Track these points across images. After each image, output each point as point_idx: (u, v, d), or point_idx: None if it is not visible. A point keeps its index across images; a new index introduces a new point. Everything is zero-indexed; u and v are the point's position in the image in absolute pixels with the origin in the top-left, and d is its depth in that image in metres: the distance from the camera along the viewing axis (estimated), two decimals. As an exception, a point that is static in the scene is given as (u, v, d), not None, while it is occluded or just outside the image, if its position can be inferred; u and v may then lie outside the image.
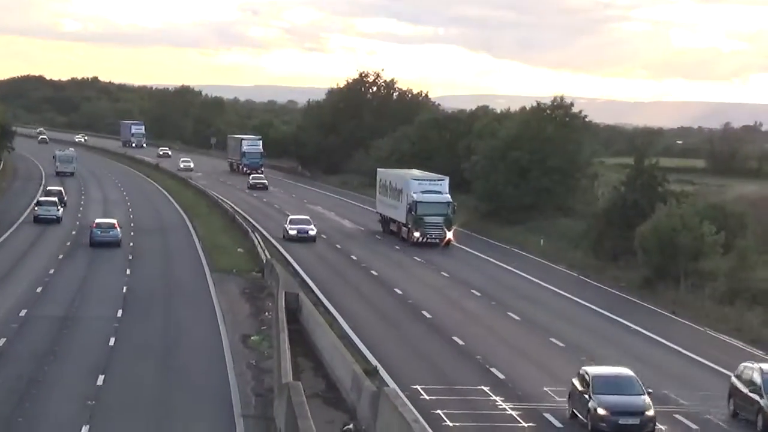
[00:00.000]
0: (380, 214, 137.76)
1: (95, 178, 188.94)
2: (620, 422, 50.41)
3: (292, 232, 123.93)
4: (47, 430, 48.68)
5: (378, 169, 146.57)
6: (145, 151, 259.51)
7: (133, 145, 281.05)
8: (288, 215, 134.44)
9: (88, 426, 48.46)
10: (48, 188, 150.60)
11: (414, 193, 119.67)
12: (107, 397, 54.22)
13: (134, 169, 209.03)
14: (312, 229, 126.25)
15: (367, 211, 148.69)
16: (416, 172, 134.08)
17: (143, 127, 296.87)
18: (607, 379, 53.14)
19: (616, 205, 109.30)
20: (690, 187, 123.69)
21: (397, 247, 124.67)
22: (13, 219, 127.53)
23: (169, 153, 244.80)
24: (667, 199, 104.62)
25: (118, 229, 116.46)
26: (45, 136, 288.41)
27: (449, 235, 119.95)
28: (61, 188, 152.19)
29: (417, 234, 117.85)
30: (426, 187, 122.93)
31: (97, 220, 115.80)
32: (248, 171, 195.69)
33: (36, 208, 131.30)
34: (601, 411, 50.61)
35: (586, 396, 51.71)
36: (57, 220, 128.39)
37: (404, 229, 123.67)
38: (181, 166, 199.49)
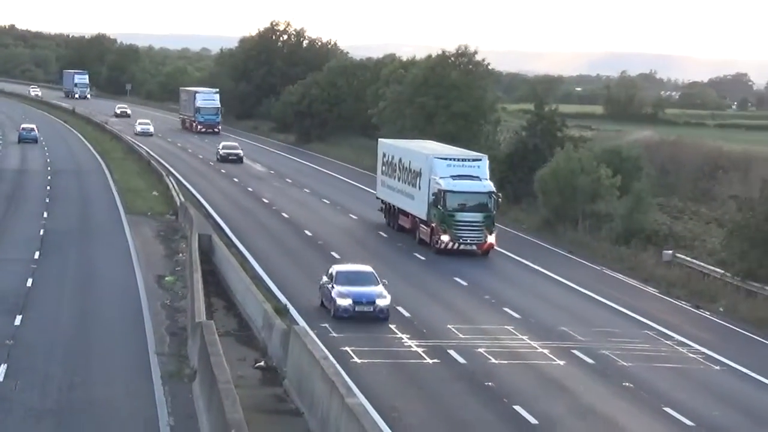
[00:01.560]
0: (383, 201, 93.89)
1: (13, 123, 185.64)
2: (356, 309, 58.89)
3: (224, 153, 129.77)
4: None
5: (380, 139, 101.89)
6: (91, 103, 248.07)
7: (77, 96, 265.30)
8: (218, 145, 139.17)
9: (5, 365, 48.36)
10: None
11: (441, 178, 77.23)
12: (24, 336, 54.12)
13: (52, 115, 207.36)
14: (240, 152, 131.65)
15: (274, 154, 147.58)
16: (439, 147, 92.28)
17: (87, 77, 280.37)
18: (348, 273, 61.70)
19: (518, 149, 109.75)
20: (588, 132, 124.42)
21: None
22: None
23: (128, 112, 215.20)
24: (565, 143, 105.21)
25: (37, 132, 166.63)
26: None
27: (491, 239, 78.01)
28: None
29: (445, 238, 75.90)
30: (458, 169, 79.03)
31: (23, 125, 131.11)
32: (203, 129, 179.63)
33: None
34: (340, 300, 59.16)
35: (329, 287, 60.14)
36: None
37: (422, 227, 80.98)
38: (138, 129, 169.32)
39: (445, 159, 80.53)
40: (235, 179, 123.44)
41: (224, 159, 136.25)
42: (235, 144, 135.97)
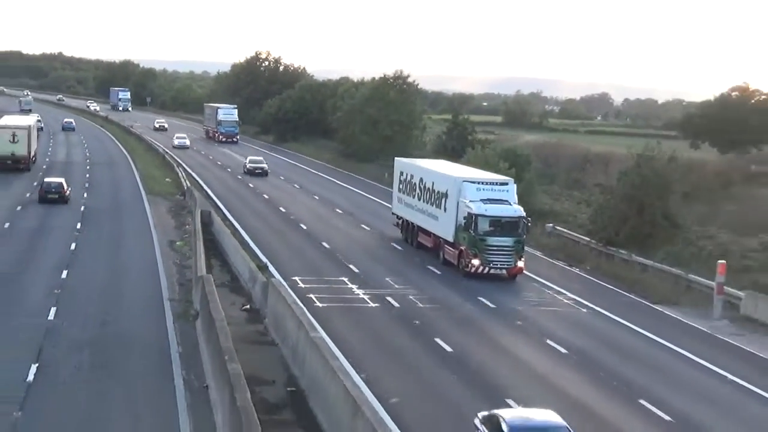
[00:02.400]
0: (400, 217, 75.81)
1: (66, 137, 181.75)
2: None
3: (250, 166, 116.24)
4: (28, 309, 48.57)
5: (397, 159, 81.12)
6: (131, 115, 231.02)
7: (120, 108, 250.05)
8: (247, 156, 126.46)
9: (55, 308, 48.42)
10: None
11: (471, 201, 61.71)
12: (69, 286, 54.11)
13: (90, 121, 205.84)
14: (265, 166, 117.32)
15: (259, 152, 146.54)
16: (466, 170, 72.02)
17: (128, 93, 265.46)
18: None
19: (439, 149, 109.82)
20: (491, 136, 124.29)
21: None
22: None
23: (166, 126, 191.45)
24: (475, 144, 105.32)
25: (74, 123, 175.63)
26: (30, 98, 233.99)
27: (520, 263, 61.75)
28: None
29: (476, 262, 60.53)
30: (488, 193, 63.44)
31: (65, 119, 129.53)
32: (224, 139, 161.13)
33: None
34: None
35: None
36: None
37: (448, 248, 64.60)
38: (176, 143, 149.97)
39: (475, 182, 63.21)
40: (228, 170, 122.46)
41: (251, 172, 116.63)
42: (261, 159, 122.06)
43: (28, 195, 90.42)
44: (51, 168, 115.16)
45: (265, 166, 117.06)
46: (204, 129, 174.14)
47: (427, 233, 68.13)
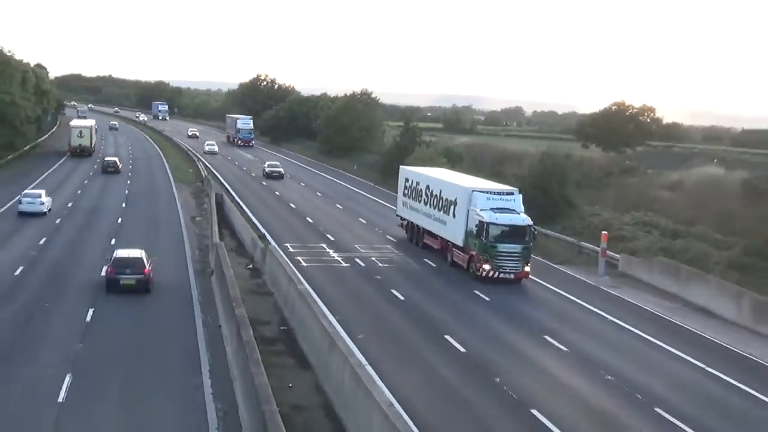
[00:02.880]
0: (404, 218, 65.61)
1: (112, 135, 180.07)
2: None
3: (268, 170, 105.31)
4: (86, 266, 48.37)
5: (401, 167, 70.64)
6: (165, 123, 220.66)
7: (160, 118, 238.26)
8: (265, 161, 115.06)
9: (106, 266, 48.15)
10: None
11: (482, 210, 52.65)
12: (118, 249, 53.94)
13: (132, 126, 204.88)
14: (281, 170, 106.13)
15: (260, 150, 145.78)
16: (472, 180, 61.07)
17: (167, 106, 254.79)
18: None
19: (394, 148, 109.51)
20: (434, 138, 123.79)
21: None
22: (61, 150, 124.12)
23: (198, 134, 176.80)
24: (421, 144, 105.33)
25: (118, 124, 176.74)
26: (86, 108, 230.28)
27: (527, 268, 51.92)
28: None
29: (487, 267, 51.17)
30: (497, 203, 54.09)
31: (111, 122, 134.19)
32: (242, 143, 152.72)
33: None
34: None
35: None
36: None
37: (457, 251, 55.12)
38: (206, 149, 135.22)
39: (485, 192, 53.47)
40: (236, 163, 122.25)
41: (269, 176, 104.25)
42: (277, 163, 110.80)
43: (91, 172, 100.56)
44: (105, 155, 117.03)
45: (281, 170, 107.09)
46: (226, 135, 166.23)
47: (434, 236, 58.35)
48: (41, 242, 55.39)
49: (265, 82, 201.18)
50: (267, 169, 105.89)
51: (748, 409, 32.01)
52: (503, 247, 49.33)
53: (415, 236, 61.70)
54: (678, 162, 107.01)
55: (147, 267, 43.10)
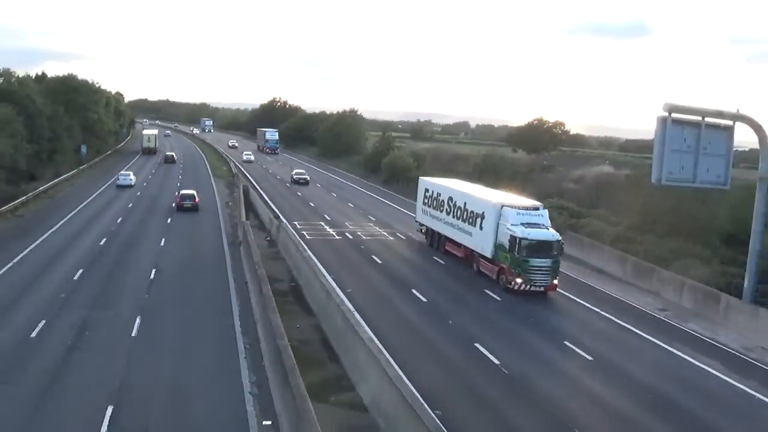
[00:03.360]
0: (423, 225, 53.49)
1: (167, 140, 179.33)
2: None
3: (296, 177, 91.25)
4: (148, 239, 48.37)
5: (420, 178, 57.37)
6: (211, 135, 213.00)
7: (206, 131, 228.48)
8: (293, 168, 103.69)
9: (164, 239, 48.27)
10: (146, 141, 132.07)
11: (513, 225, 40.24)
12: (172, 225, 53.95)
13: (182, 135, 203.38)
14: (306, 177, 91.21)
15: (275, 154, 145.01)
16: (497, 194, 47.59)
17: (212, 122, 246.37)
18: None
19: (374, 152, 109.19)
20: (403, 144, 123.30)
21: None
22: (135, 151, 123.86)
23: (237, 145, 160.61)
24: (394, 149, 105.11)
25: (170, 132, 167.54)
26: (146, 122, 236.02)
27: (556, 281, 39.72)
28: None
29: (519, 280, 39.06)
30: (527, 218, 40.95)
31: (166, 131, 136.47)
32: (269, 151, 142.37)
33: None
34: None
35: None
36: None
37: (484, 261, 42.86)
38: (244, 158, 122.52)
39: (514, 208, 41.61)
40: (258, 162, 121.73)
41: (296, 182, 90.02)
42: (303, 171, 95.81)
43: (157, 163, 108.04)
44: (163, 153, 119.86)
45: (307, 177, 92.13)
46: (257, 145, 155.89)
47: (458, 245, 47.09)
48: (134, 200, 65.44)
49: (278, 103, 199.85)
50: (294, 176, 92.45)
51: (628, 340, 32.55)
52: (535, 262, 39.30)
53: (436, 242, 50.74)
54: (581, 162, 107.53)
55: (197, 198, 62.44)
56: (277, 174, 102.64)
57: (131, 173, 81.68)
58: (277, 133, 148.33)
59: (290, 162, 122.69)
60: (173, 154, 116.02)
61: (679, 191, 46.24)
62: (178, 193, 62.68)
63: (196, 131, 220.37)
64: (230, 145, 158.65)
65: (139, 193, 73.13)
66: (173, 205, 62.81)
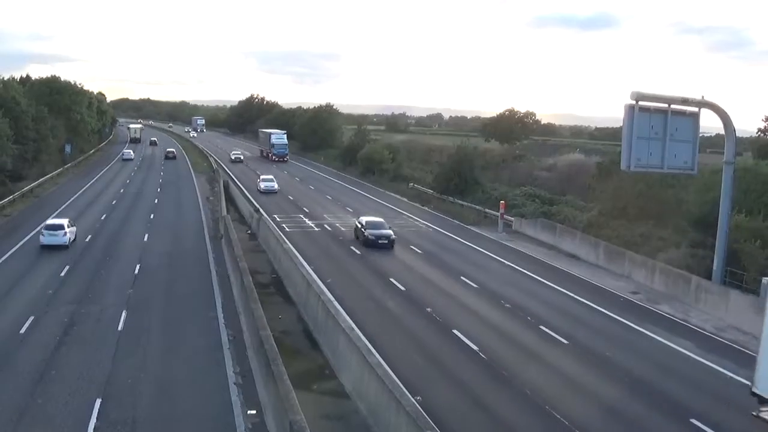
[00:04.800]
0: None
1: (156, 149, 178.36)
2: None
3: (263, 186, 74.41)
4: (132, 235, 47.97)
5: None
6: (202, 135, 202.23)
7: (198, 130, 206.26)
8: (259, 174, 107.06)
9: (147, 233, 47.98)
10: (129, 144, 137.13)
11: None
12: (154, 222, 53.48)
13: (166, 134, 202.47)
14: (275, 186, 74.94)
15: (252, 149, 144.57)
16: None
17: (203, 120, 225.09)
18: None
19: (350, 145, 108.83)
20: (378, 137, 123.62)
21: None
22: (113, 157, 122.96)
23: (242, 158, 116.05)
24: (370, 141, 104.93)
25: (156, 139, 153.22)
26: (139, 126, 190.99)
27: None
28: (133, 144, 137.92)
29: None
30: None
31: (168, 150, 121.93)
32: (276, 158, 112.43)
33: (123, 152, 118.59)
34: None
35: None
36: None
37: None
38: (233, 157, 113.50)
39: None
40: (242, 157, 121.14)
41: (265, 192, 72.14)
42: (271, 178, 77.76)
43: (143, 148, 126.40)
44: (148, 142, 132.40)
45: (276, 188, 74.86)
46: (259, 149, 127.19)
47: None
48: (134, 170, 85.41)
49: (256, 100, 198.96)
50: (262, 186, 75.42)
51: (602, 323, 32.61)
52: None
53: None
54: (552, 151, 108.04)
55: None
56: (257, 170, 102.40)
57: (132, 150, 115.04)
58: (285, 136, 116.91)
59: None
60: (155, 139, 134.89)
61: (648, 177, 46.43)
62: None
63: (194, 134, 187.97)
64: (233, 158, 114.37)
65: (122, 190, 72.70)
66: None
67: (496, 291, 36.86)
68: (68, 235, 43.13)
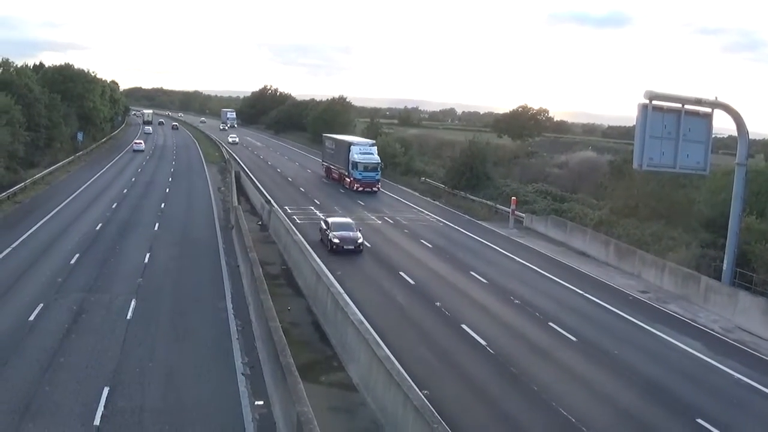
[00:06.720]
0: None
1: (163, 128, 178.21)
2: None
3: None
4: (142, 224, 48.07)
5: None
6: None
7: (228, 126, 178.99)
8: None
9: (158, 223, 48.04)
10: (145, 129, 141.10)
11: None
12: (166, 212, 53.56)
13: (180, 124, 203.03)
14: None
15: (264, 138, 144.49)
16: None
17: (234, 113, 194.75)
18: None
19: (363, 137, 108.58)
20: (391, 130, 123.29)
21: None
22: (128, 143, 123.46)
23: (237, 141, 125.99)
24: (382, 134, 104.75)
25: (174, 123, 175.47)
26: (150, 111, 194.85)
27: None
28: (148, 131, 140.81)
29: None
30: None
31: (173, 123, 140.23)
32: (362, 188, 69.91)
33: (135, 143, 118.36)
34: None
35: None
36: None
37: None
38: (230, 141, 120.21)
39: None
40: (249, 148, 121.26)
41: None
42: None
43: (156, 130, 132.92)
44: (156, 151, 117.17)
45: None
46: (324, 165, 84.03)
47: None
48: (146, 159, 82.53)
49: (270, 91, 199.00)
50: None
51: (611, 321, 32.56)
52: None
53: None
54: (564, 148, 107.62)
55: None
56: (268, 160, 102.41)
57: (143, 141, 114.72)
58: (375, 150, 74.06)
59: (284, 151, 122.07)
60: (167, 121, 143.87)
61: (660, 176, 46.29)
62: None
63: (232, 137, 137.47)
64: (230, 141, 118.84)
65: (133, 179, 72.94)
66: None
67: (506, 287, 36.83)
68: None
